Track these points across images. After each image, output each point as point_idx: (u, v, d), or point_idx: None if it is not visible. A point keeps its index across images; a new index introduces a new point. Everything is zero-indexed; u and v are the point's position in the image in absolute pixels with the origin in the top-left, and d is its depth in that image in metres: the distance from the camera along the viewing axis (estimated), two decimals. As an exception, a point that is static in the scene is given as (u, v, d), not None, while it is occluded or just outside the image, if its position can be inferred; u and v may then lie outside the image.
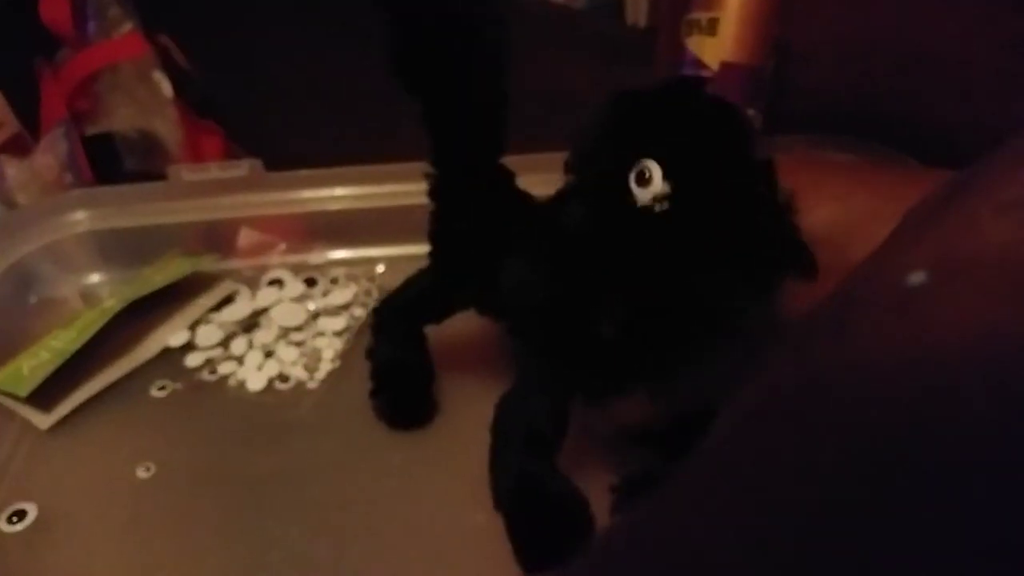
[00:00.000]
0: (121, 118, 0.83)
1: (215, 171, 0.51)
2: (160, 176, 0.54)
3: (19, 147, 0.77)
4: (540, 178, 0.38)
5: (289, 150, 0.63)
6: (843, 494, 0.15)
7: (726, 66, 0.44)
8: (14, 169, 0.69)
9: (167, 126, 0.82)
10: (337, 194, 0.51)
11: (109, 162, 0.81)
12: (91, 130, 0.83)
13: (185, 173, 0.51)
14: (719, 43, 0.44)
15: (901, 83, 0.48)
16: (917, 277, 0.16)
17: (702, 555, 0.18)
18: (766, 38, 0.44)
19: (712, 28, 0.44)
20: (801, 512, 0.16)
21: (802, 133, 0.50)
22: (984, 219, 0.16)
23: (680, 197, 0.28)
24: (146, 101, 0.82)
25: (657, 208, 0.28)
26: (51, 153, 0.72)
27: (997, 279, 0.15)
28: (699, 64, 0.44)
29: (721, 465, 0.20)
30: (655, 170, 0.28)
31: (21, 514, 0.40)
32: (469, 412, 0.37)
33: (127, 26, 0.82)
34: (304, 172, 0.50)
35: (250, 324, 0.49)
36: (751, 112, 0.44)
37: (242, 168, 0.51)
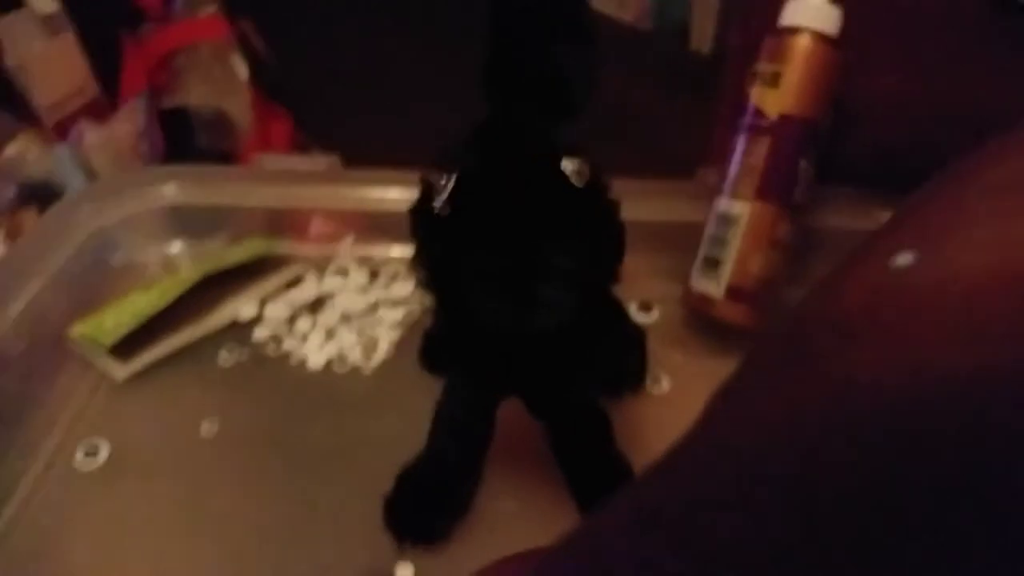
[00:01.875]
0: (196, 95, 0.87)
1: (296, 162, 0.54)
2: (229, 154, 0.58)
3: (97, 112, 0.81)
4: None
5: (356, 142, 0.66)
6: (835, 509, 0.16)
7: (784, 118, 0.46)
8: (93, 133, 0.72)
9: (239, 108, 0.86)
10: (406, 196, 0.54)
11: (182, 136, 0.85)
12: (167, 104, 0.88)
13: (267, 162, 0.54)
14: (780, 95, 0.47)
15: (954, 142, 0.50)
16: (904, 258, 0.16)
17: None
18: (826, 94, 0.47)
19: (775, 81, 0.47)
20: (786, 535, 0.16)
21: (854, 187, 0.52)
22: (970, 201, 0.17)
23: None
24: (221, 82, 0.86)
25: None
26: (129, 122, 0.75)
27: (982, 262, 0.15)
28: (759, 113, 0.47)
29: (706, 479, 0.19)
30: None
31: (95, 450, 0.44)
32: (506, 409, 0.40)
33: (211, 7, 0.86)
34: (377, 172, 0.53)
35: (315, 306, 0.52)
36: (803, 164, 0.47)
37: (321, 163, 0.54)
